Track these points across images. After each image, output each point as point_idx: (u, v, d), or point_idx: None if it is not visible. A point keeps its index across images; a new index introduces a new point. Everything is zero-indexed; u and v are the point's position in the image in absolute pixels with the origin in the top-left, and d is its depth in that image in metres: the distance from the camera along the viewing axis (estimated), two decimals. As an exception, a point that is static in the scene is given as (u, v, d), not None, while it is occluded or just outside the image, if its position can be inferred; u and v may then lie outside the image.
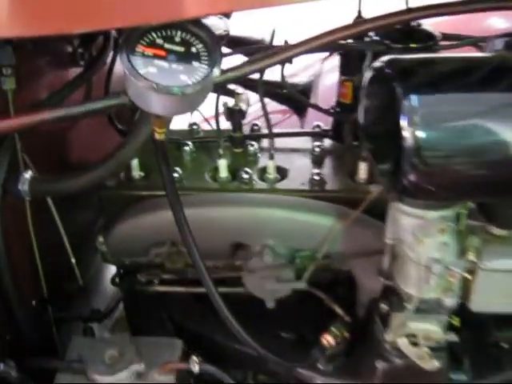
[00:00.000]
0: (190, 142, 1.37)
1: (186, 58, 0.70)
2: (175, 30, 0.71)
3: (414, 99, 0.79)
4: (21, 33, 0.64)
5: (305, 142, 1.44)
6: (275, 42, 1.82)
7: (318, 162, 1.35)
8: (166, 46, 0.70)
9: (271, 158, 1.27)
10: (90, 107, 0.72)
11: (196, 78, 0.69)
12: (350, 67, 1.36)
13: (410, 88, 0.80)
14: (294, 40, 1.28)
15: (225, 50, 1.55)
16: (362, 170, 1.28)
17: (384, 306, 1.05)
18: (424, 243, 0.88)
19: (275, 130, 1.39)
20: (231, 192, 1.25)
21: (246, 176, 1.25)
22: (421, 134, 0.78)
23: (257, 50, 1.18)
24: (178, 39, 0.71)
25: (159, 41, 0.70)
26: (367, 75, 0.89)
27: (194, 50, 0.71)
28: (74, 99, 1.26)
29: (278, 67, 1.24)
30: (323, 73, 1.80)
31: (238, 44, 1.75)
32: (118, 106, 0.72)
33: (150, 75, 0.67)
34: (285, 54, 0.75)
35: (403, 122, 0.78)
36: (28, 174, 0.97)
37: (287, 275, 1.15)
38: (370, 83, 0.89)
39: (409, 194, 0.84)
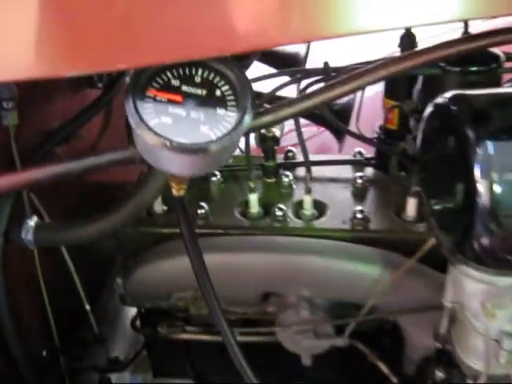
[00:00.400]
0: (217, 172, 1.24)
1: (209, 103, 0.56)
2: (195, 68, 0.57)
3: (490, 146, 0.64)
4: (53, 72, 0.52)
5: (344, 171, 1.30)
6: (311, 58, 1.69)
7: (360, 195, 1.21)
8: (184, 88, 0.56)
9: (308, 192, 1.13)
10: (88, 163, 0.59)
11: (221, 130, 0.55)
12: (396, 90, 1.21)
13: (482, 132, 0.66)
14: (331, 56, 1.17)
15: (258, 65, 1.43)
16: (411, 206, 1.13)
17: (440, 374, 0.90)
18: (495, 315, 0.73)
19: (312, 157, 1.25)
20: (262, 230, 1.11)
21: (279, 213, 1.12)
22: (499, 189, 0.63)
23: (298, 71, 1.04)
24: (198, 79, 0.57)
25: (175, 82, 0.56)
26: (428, 111, 0.75)
27: (218, 93, 0.57)
28: (91, 129, 1.15)
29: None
30: (364, 92, 1.65)
31: (271, 58, 1.62)
32: (125, 161, 0.59)
33: (162, 128, 0.54)
34: (334, 90, 0.61)
35: (477, 174, 0.64)
36: (33, 221, 0.85)
37: (326, 331, 1.01)
38: (431, 121, 0.74)
39: (479, 261, 0.69)
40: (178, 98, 0.55)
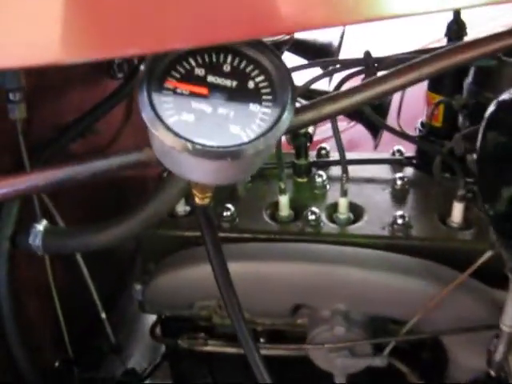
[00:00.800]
0: (245, 171, 1.15)
1: (240, 97, 0.46)
2: (223, 55, 0.47)
3: None
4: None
5: (383, 171, 1.20)
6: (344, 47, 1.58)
7: (399, 198, 1.11)
8: (210, 78, 0.46)
9: (344, 194, 1.04)
10: (96, 167, 0.50)
11: (255, 130, 0.45)
12: (442, 83, 1.10)
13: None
14: (364, 48, 1.06)
15: (288, 55, 1.33)
16: (457, 211, 1.02)
17: (491, 403, 0.80)
18: None
19: (347, 155, 1.15)
20: (293, 235, 1.02)
21: (312, 217, 1.02)
22: None
23: (334, 62, 0.93)
24: (227, 68, 0.47)
25: (199, 71, 0.47)
26: (491, 109, 0.64)
27: (251, 84, 0.47)
28: (110, 123, 1.06)
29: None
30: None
31: (303, 48, 1.51)
32: (139, 165, 0.50)
33: (183, 127, 0.44)
34: (382, 86, 0.51)
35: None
36: (42, 225, 0.77)
37: (363, 349, 0.91)
38: (495, 120, 0.64)
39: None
40: (203, 90, 0.45)
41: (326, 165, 1.19)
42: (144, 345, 1.23)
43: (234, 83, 0.46)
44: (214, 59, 0.47)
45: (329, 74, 0.91)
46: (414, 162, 1.19)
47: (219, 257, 0.60)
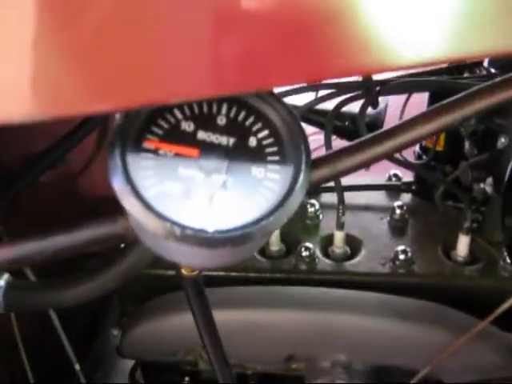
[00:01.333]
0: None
1: (240, 159, 0.36)
2: (216, 104, 0.37)
3: None
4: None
5: (378, 198, 1.12)
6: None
7: (399, 229, 1.03)
8: (201, 135, 0.36)
9: (340, 228, 0.95)
10: (58, 243, 0.40)
11: (261, 203, 0.35)
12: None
13: None
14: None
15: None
16: (463, 245, 0.95)
17: None
18: None
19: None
20: (285, 273, 0.93)
21: (305, 253, 0.93)
22: None
23: (333, 85, 0.84)
24: (221, 121, 0.37)
25: (187, 126, 0.36)
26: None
27: (252, 142, 0.37)
28: (82, 150, 0.96)
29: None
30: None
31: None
32: (114, 238, 0.40)
33: (167, 202, 0.34)
34: (418, 128, 0.42)
35: None
36: (3, 279, 0.67)
37: (366, 403, 0.83)
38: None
39: None
40: (193, 151, 0.35)
41: (318, 191, 1.11)
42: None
43: (232, 141, 0.36)
44: (206, 110, 0.37)
45: (327, 98, 0.82)
46: (413, 187, 1.11)
47: (211, 332, 0.51)
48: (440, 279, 0.92)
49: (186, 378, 1.03)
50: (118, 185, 0.33)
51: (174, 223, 0.33)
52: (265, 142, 0.37)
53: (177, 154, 0.35)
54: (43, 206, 0.89)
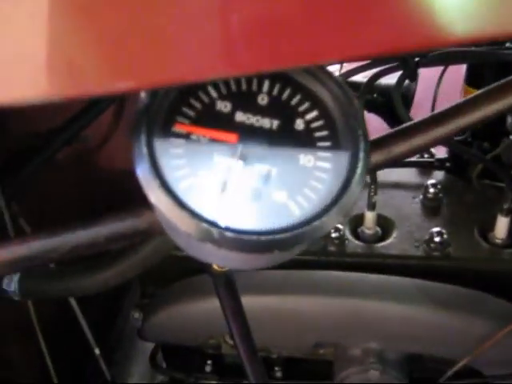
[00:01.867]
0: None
1: (285, 144, 0.31)
2: (257, 81, 0.32)
3: None
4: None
5: (411, 175, 1.06)
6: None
7: (433, 209, 0.97)
8: (239, 117, 0.31)
9: (371, 208, 0.90)
10: (75, 240, 0.35)
11: (311, 198, 0.30)
12: (484, 77, 0.96)
13: None
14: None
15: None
16: (502, 227, 0.89)
17: None
18: None
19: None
20: (313, 255, 0.88)
21: (335, 234, 0.88)
22: None
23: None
24: (263, 101, 0.31)
25: (223, 106, 0.31)
26: None
27: (299, 124, 0.31)
28: (99, 126, 0.91)
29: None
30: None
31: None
32: (138, 234, 0.35)
33: (202, 198, 0.29)
34: (474, 111, 0.37)
35: None
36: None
37: (399, 393, 0.79)
38: None
39: None
40: (231, 135, 0.30)
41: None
42: (144, 368, 1.10)
43: (275, 123, 0.31)
44: (244, 87, 0.31)
45: (362, 69, 0.76)
46: (447, 164, 1.05)
47: (242, 331, 0.46)
48: (477, 263, 0.87)
49: (209, 361, 1.00)
50: (145, 176, 0.28)
51: (211, 223, 0.28)
52: (314, 125, 0.31)
53: (212, 140, 0.30)
54: (59, 184, 0.84)
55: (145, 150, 0.28)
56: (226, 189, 0.29)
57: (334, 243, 0.89)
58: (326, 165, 0.30)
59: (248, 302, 0.78)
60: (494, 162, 0.88)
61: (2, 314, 0.73)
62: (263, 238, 0.28)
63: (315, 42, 0.26)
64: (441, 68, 1.05)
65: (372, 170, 0.34)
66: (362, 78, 1.01)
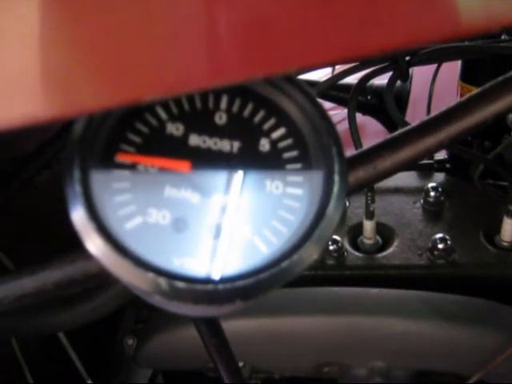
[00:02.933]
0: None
1: (247, 170, 0.26)
2: (213, 96, 0.27)
3: None
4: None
5: (410, 178, 1.02)
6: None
7: (435, 213, 0.93)
8: (194, 141, 0.26)
9: (370, 216, 0.85)
10: (20, 288, 0.30)
11: (282, 232, 0.25)
12: (478, 72, 0.92)
13: None
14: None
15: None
16: (508, 228, 0.84)
17: None
18: None
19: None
20: (310, 269, 0.84)
21: (332, 247, 0.84)
22: None
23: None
24: (221, 120, 0.27)
25: (174, 129, 0.26)
26: None
27: (264, 145, 0.27)
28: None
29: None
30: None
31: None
32: (91, 279, 0.31)
33: (148, 241, 0.24)
34: (469, 114, 0.32)
35: None
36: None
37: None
38: None
39: None
40: (183, 163, 0.26)
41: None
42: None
43: (236, 145, 0.26)
44: (199, 105, 0.27)
45: (352, 71, 0.72)
46: (448, 166, 1.00)
47: (230, 369, 0.42)
48: (484, 269, 0.82)
49: (210, 387, 0.95)
50: (79, 219, 0.24)
51: (159, 273, 0.23)
52: (281, 145, 0.27)
53: (162, 169, 0.25)
54: (38, 209, 0.80)
55: (78, 188, 0.24)
56: (180, 228, 0.25)
57: (333, 256, 0.85)
58: (297, 191, 0.26)
59: (244, 324, 0.74)
60: (496, 161, 0.83)
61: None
62: (221, 286, 0.23)
63: (303, 44, 0.22)
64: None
65: (354, 191, 0.30)
66: (354, 79, 0.98)
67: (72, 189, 0.24)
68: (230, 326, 0.53)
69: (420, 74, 1.04)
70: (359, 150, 0.32)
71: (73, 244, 0.38)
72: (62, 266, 0.30)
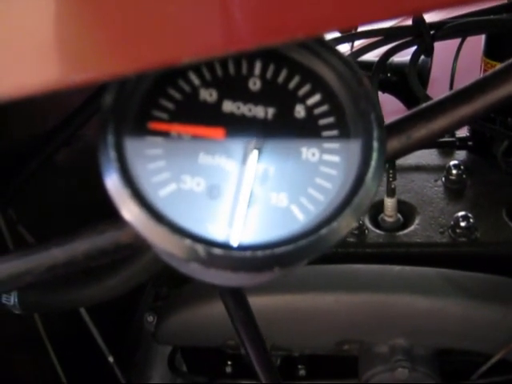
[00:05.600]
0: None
1: (283, 137, 0.26)
2: (247, 62, 0.26)
3: None
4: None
5: (431, 156, 1.00)
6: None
7: (457, 191, 0.92)
8: (227, 107, 0.26)
9: (391, 193, 0.84)
10: (50, 259, 0.30)
11: (319, 200, 0.25)
12: (502, 47, 0.90)
13: None
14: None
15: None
16: (533, 207, 0.83)
17: None
18: None
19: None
20: (332, 248, 0.83)
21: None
22: None
23: (380, 31, 0.72)
24: (255, 86, 0.26)
25: (207, 95, 0.26)
26: None
27: (300, 111, 0.26)
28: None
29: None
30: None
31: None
32: (121, 249, 0.30)
33: (183, 207, 0.24)
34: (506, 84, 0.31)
35: None
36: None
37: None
38: None
39: None
40: (217, 130, 0.25)
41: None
42: (164, 370, 1.06)
43: (271, 112, 0.25)
44: (232, 71, 0.26)
45: (374, 46, 0.71)
46: (470, 143, 0.99)
47: (256, 345, 0.42)
48: (507, 247, 0.81)
49: (229, 362, 0.96)
50: (114, 185, 0.23)
51: (195, 239, 0.23)
52: (317, 111, 0.26)
53: (195, 137, 0.25)
54: (57, 187, 0.80)
55: (112, 153, 0.23)
56: (214, 195, 0.24)
57: (353, 234, 0.84)
58: (334, 158, 0.25)
59: (265, 301, 0.74)
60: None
61: (7, 326, 0.69)
62: (260, 253, 0.23)
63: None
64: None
65: (389, 161, 0.29)
66: (373, 57, 0.96)
67: (106, 154, 0.24)
68: (252, 303, 0.53)
69: (437, 54, 1.02)
70: (392, 120, 0.31)
71: (92, 220, 0.38)
72: (92, 237, 0.30)
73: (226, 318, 0.71)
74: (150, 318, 0.89)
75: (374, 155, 0.24)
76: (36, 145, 0.79)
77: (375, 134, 0.25)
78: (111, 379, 0.87)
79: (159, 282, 0.93)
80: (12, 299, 0.61)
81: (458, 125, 0.31)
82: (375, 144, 0.24)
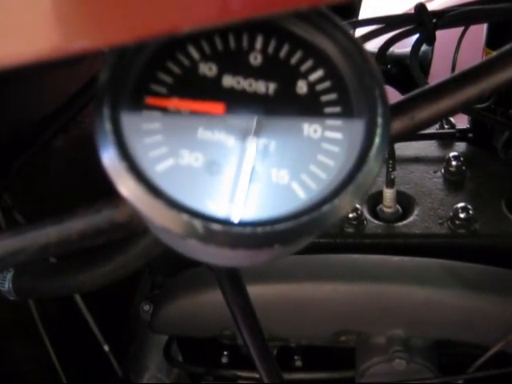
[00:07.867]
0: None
1: (284, 113, 0.25)
2: (248, 35, 0.26)
3: None
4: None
5: (431, 147, 1.00)
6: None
7: (456, 183, 0.91)
8: (227, 81, 0.25)
9: (391, 184, 0.84)
10: (44, 238, 0.29)
11: (320, 177, 0.24)
12: (504, 38, 0.89)
13: None
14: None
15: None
16: (531, 199, 0.83)
17: None
18: None
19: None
20: (329, 237, 0.83)
21: (352, 215, 0.83)
22: None
23: (380, 20, 0.72)
24: (256, 60, 0.26)
25: (207, 69, 0.25)
26: None
27: (302, 87, 0.25)
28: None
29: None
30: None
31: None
32: (116, 229, 0.30)
33: (181, 183, 0.23)
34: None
35: None
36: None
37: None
38: None
39: None
40: (217, 105, 0.25)
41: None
42: (160, 359, 1.05)
43: (272, 87, 0.25)
44: (233, 45, 0.26)
45: (376, 34, 0.70)
46: (470, 135, 0.98)
47: (252, 329, 0.41)
48: (506, 239, 0.81)
49: (225, 352, 0.95)
50: (110, 158, 0.22)
51: (193, 214, 0.22)
52: (320, 87, 0.25)
53: (194, 112, 0.24)
54: (55, 173, 0.80)
55: (108, 126, 0.23)
56: (213, 171, 0.24)
57: (352, 224, 0.84)
58: (337, 135, 0.25)
59: (263, 290, 0.73)
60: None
61: (2, 313, 0.69)
62: (260, 229, 0.22)
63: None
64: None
65: (392, 141, 0.28)
66: (372, 48, 0.95)
67: (102, 128, 0.23)
68: (249, 292, 0.52)
69: (437, 48, 1.02)
70: (396, 100, 0.30)
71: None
72: (88, 215, 0.29)
73: (222, 307, 0.71)
74: (146, 307, 0.89)
75: (378, 131, 0.24)
76: (34, 131, 0.78)
77: (379, 110, 0.24)
78: (107, 368, 0.87)
79: (155, 271, 0.92)
80: (6, 285, 0.60)
81: (464, 105, 0.30)
82: (379, 120, 0.24)
